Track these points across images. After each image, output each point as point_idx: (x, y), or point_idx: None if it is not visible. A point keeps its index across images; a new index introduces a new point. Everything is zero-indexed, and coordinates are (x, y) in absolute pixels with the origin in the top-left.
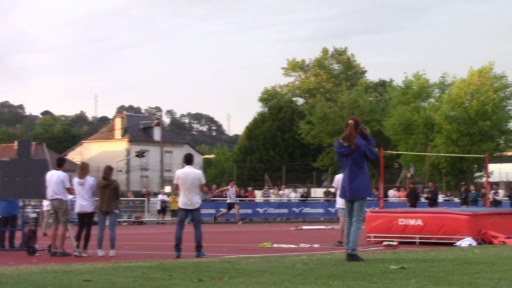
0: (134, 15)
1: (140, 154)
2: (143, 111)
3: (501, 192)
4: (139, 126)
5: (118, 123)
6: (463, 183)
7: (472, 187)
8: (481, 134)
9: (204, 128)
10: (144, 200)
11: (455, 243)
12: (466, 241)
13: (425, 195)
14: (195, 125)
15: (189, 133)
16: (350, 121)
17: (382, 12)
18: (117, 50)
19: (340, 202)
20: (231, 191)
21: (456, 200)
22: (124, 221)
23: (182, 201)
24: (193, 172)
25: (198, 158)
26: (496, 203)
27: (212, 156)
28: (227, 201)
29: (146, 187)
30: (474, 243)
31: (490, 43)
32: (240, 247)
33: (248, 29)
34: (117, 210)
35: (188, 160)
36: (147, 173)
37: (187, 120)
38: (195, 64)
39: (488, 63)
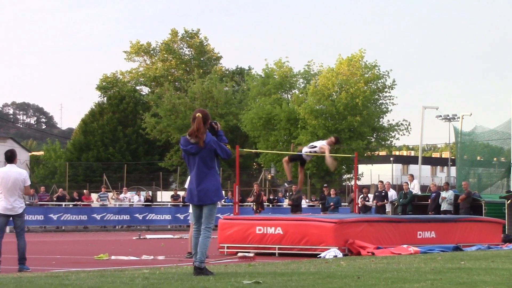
0: None
1: None
2: None
3: (372, 196)
4: None
5: None
6: (325, 185)
7: (332, 191)
8: (350, 131)
9: (32, 120)
10: None
11: (319, 254)
12: (331, 252)
13: (287, 200)
14: (20, 117)
15: (14, 126)
16: (198, 114)
17: None
18: None
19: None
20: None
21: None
22: None
23: (2, 206)
24: (16, 172)
25: (24, 155)
26: (365, 209)
27: (41, 153)
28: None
29: None
30: (340, 255)
31: (361, 28)
32: (72, 259)
33: (83, 5)
34: None
35: (9, 157)
36: None
37: (11, 111)
38: (20, 45)
39: (358, 51)
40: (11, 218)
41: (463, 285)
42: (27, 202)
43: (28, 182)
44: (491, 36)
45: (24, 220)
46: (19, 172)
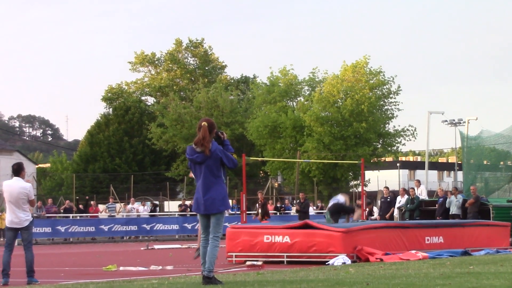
0: None
1: None
2: None
3: (376, 210)
4: None
5: None
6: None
7: None
8: (356, 137)
9: (38, 133)
10: None
11: (328, 261)
12: (340, 259)
13: (294, 208)
14: (26, 129)
15: (20, 139)
16: (204, 123)
17: None
18: None
19: None
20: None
21: None
22: None
23: (8, 219)
24: (19, 186)
25: (30, 168)
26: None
27: (47, 165)
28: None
29: None
30: (348, 261)
31: (365, 35)
32: (81, 271)
33: (88, 16)
34: None
35: (16, 170)
36: None
37: (17, 124)
38: (25, 57)
39: (363, 57)
40: (19, 231)
41: None
42: (34, 215)
43: (32, 196)
44: (496, 40)
45: (31, 233)
46: (22, 186)
